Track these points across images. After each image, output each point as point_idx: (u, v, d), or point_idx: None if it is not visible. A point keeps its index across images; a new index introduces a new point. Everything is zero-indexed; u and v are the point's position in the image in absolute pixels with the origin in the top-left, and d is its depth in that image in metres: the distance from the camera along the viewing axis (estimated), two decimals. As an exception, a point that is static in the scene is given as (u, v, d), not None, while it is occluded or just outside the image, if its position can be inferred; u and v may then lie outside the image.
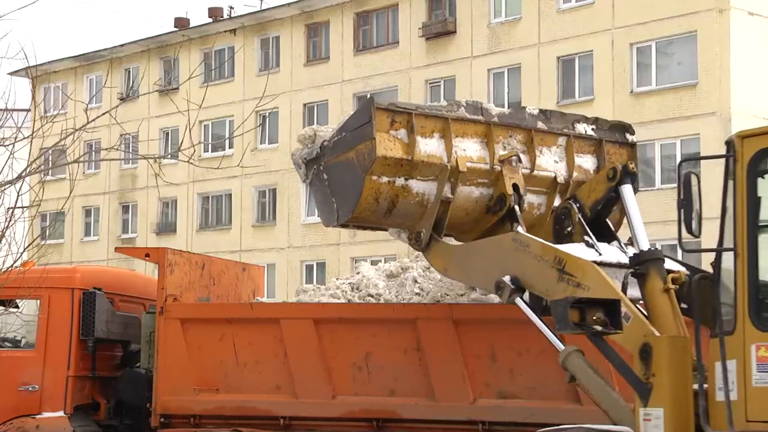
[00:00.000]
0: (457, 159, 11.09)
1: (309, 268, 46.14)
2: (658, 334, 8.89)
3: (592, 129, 12.09)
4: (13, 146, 8.91)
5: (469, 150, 11.26)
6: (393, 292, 12.70)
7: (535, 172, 11.51)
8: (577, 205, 10.85)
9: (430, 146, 11.08)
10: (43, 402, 13.74)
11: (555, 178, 11.62)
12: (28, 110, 10.41)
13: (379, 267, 13.45)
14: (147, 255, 14.06)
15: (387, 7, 44.87)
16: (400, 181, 11.03)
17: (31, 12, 10.26)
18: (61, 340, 13.79)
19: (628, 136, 12.25)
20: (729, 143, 8.44)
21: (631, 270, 9.72)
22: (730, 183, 8.34)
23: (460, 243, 11.53)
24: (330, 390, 12.33)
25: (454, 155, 11.10)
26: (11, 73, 10.20)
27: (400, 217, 11.26)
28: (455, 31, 42.60)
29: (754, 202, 8.22)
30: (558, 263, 9.84)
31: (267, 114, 46.76)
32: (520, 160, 11.43)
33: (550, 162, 11.72)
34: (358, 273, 13.44)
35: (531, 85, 39.69)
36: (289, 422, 12.55)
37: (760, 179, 8.26)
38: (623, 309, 9.13)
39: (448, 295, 12.16)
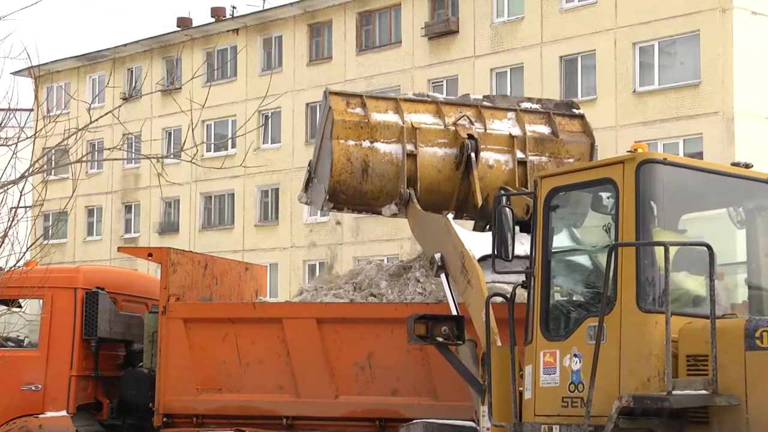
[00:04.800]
0: (411, 122, 12.56)
1: (312, 267, 46.13)
2: (499, 344, 9.92)
3: (538, 106, 13.40)
4: (16, 146, 8.90)
5: (423, 119, 12.72)
6: (395, 292, 12.70)
7: (489, 131, 12.80)
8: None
9: (385, 117, 12.63)
10: (46, 401, 13.75)
11: (510, 134, 12.87)
12: (31, 110, 10.39)
13: (381, 267, 13.45)
14: (150, 255, 14.05)
15: (389, 6, 44.84)
16: (366, 143, 12.51)
17: (33, 12, 10.28)
18: (64, 340, 13.80)
19: (575, 111, 13.55)
20: (535, 182, 9.78)
21: (521, 282, 10.02)
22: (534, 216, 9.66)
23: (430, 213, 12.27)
24: (333, 390, 12.35)
25: (409, 120, 12.56)
26: (14, 73, 10.18)
27: (377, 177, 12.50)
28: (458, 31, 42.57)
29: (547, 233, 9.57)
30: (462, 257, 10.80)
31: (270, 114, 46.77)
32: (472, 123, 12.75)
33: (503, 126, 13.01)
34: (360, 273, 13.44)
35: (533, 84, 39.61)
36: (291, 422, 12.57)
37: (552, 213, 9.58)
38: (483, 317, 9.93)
39: (451, 294, 12.16)
